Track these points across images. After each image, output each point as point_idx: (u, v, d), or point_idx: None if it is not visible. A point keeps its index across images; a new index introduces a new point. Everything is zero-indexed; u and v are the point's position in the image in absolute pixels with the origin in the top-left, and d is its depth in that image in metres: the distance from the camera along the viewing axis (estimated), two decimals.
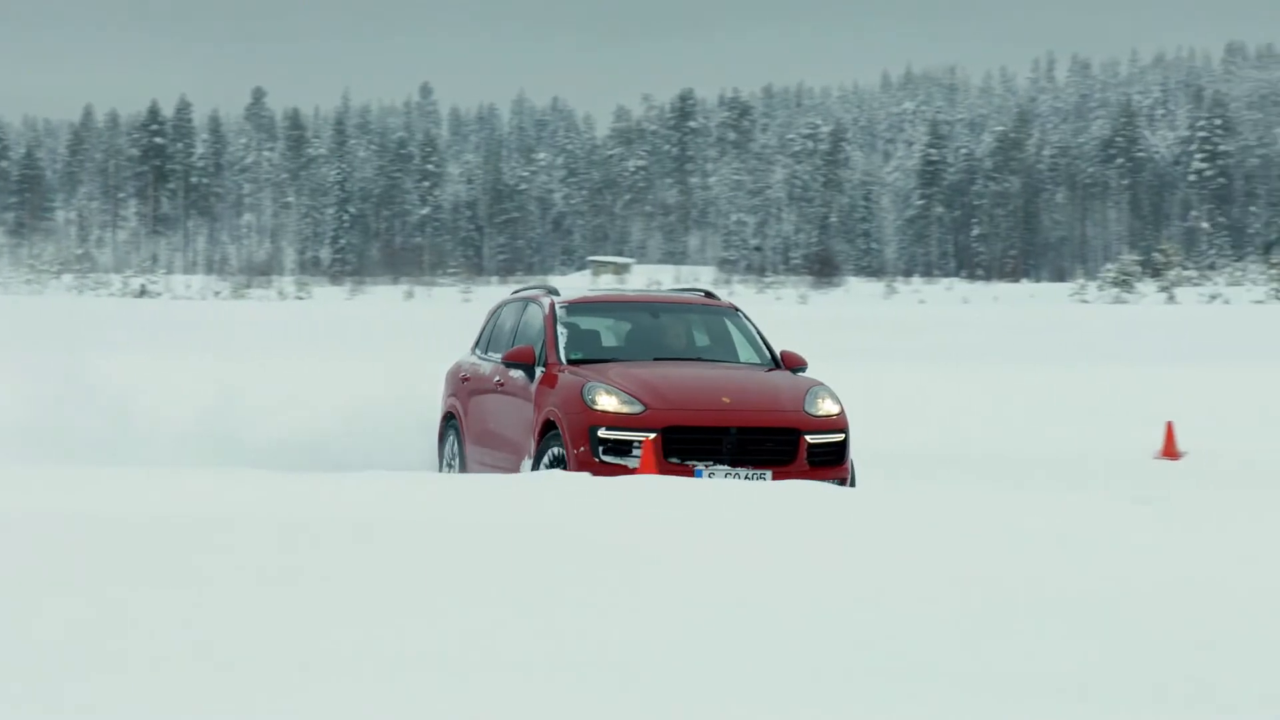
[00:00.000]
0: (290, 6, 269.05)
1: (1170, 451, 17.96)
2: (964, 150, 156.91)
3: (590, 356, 13.34)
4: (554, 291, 14.19)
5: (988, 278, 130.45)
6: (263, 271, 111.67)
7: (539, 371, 13.25)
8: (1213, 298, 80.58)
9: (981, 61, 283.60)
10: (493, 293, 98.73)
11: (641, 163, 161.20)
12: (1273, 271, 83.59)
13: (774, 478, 12.41)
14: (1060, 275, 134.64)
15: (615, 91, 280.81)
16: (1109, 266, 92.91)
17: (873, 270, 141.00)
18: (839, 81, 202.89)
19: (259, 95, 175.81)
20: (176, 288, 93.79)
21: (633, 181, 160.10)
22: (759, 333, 14.01)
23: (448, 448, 14.91)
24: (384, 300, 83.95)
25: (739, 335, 13.98)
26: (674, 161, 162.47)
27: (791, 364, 13.66)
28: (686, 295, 14.67)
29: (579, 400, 12.57)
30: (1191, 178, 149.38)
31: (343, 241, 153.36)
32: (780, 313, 56.16)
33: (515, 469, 13.18)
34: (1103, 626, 7.76)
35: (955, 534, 9.61)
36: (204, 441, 15.78)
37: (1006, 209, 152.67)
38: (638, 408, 12.46)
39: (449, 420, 14.95)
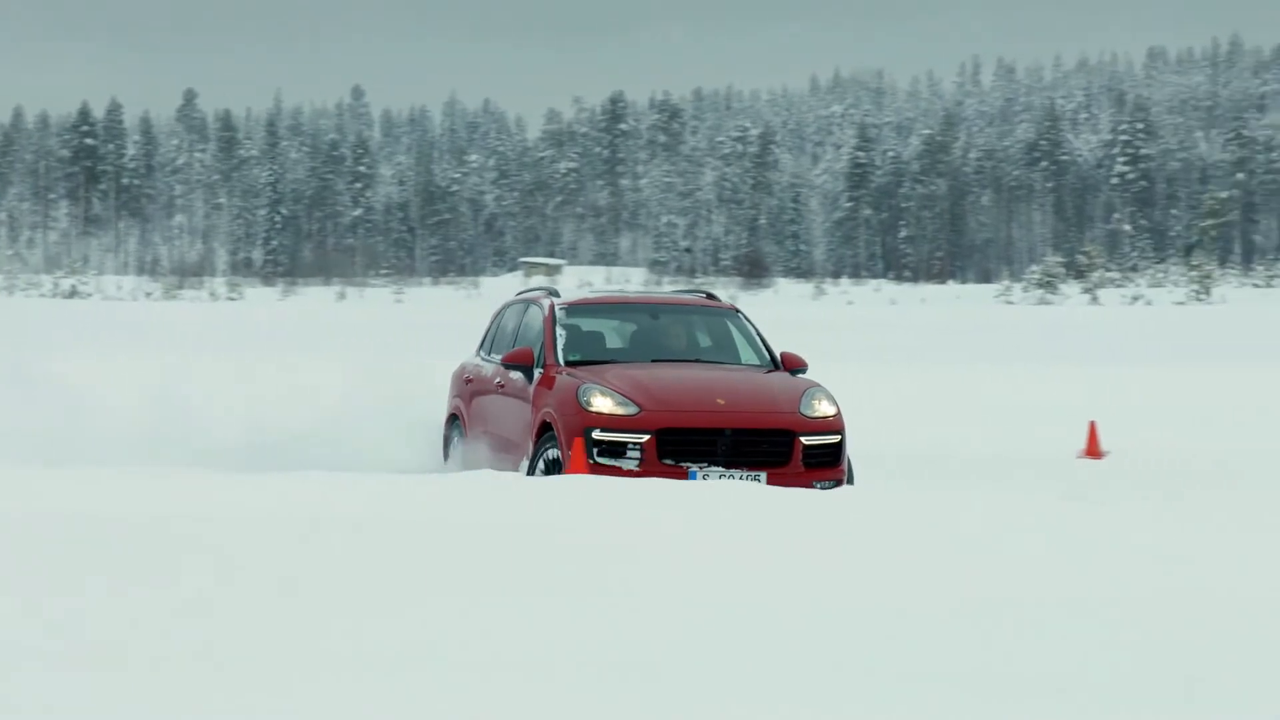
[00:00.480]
0: (220, 9, 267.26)
1: (1093, 451, 18.11)
2: (891, 153, 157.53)
3: (589, 358, 13.28)
4: (554, 293, 14.10)
5: (915, 279, 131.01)
6: (194, 273, 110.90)
7: (537, 373, 13.19)
8: (1135, 299, 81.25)
9: (908, 66, 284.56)
10: (425, 294, 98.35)
11: (573, 165, 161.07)
12: (1193, 273, 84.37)
13: (769, 479, 12.33)
14: (986, 277, 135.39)
15: (546, 94, 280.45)
16: (1034, 268, 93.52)
17: (801, 271, 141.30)
18: (768, 85, 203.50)
19: (190, 97, 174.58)
20: (108, 289, 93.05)
21: (564, 183, 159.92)
22: (759, 334, 13.91)
23: (451, 448, 14.86)
24: (317, 301, 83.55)
25: (739, 337, 13.88)
26: (605, 163, 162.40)
27: (791, 365, 13.57)
28: (687, 297, 14.60)
29: (574, 402, 12.50)
30: (1114, 181, 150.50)
31: (275, 243, 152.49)
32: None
33: (515, 470, 13.07)
34: (1101, 626, 7.80)
35: (948, 534, 9.63)
36: (145, 442, 15.68)
37: (933, 211, 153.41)
38: (632, 409, 12.39)
39: (453, 421, 14.93)
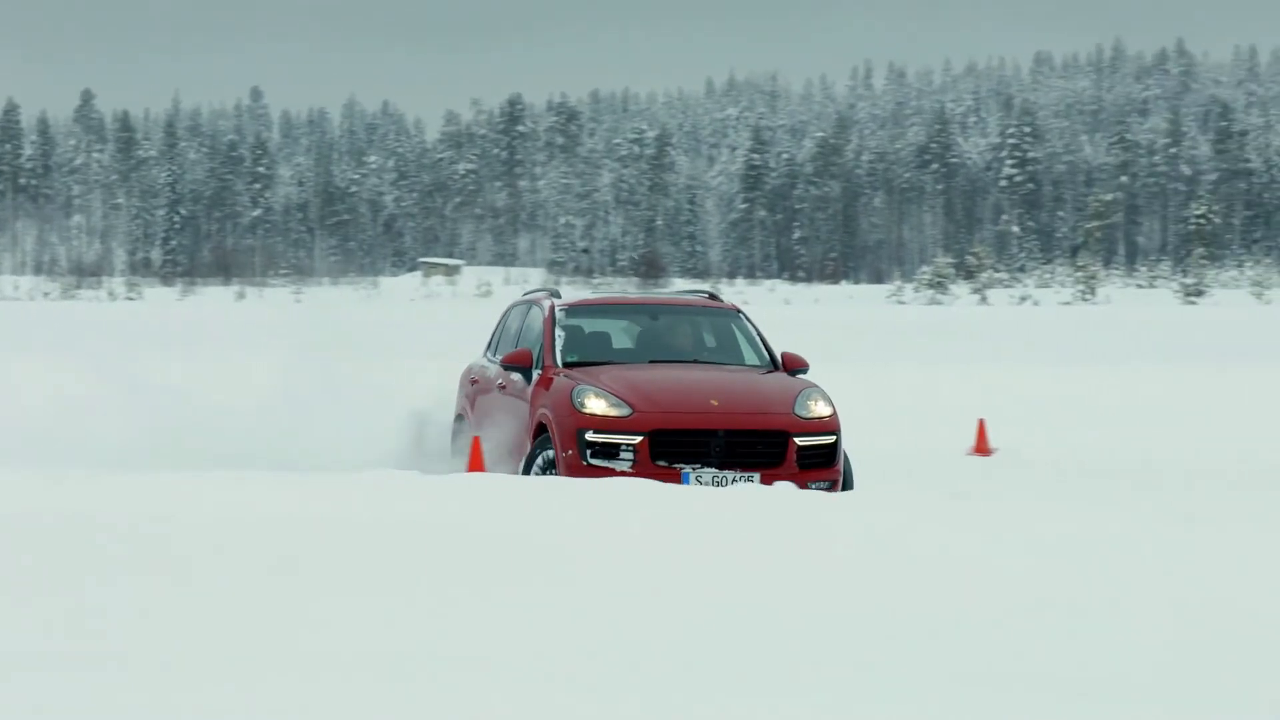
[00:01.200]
0: (118, 10, 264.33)
1: (981, 448, 18.26)
2: (785, 155, 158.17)
3: (587, 359, 13.14)
4: (555, 294, 13.95)
5: (809, 279, 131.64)
6: (93, 272, 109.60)
7: (535, 374, 13.06)
8: (1023, 299, 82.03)
9: (802, 69, 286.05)
10: (324, 294, 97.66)
11: (471, 166, 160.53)
12: (1079, 274, 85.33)
13: (763, 480, 12.19)
14: (878, 277, 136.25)
15: (445, 96, 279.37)
16: (924, 269, 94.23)
17: (698, 272, 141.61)
18: (664, 87, 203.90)
19: (88, 97, 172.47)
20: (5, 288, 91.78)
21: (463, 184, 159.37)
22: (760, 335, 13.78)
23: (456, 448, 14.69)
24: (216, 301, 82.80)
25: (740, 337, 13.73)
26: (503, 165, 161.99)
27: (792, 366, 13.44)
28: (688, 298, 14.43)
29: (568, 403, 12.37)
30: (1002, 183, 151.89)
31: (174, 243, 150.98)
32: None
33: (514, 471, 12.91)
34: (1099, 627, 7.84)
35: (945, 535, 9.64)
36: (49, 443, 15.47)
37: (826, 213, 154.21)
38: (625, 410, 12.27)
39: (459, 421, 14.81)
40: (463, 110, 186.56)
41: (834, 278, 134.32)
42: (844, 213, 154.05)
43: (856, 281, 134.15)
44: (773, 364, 13.53)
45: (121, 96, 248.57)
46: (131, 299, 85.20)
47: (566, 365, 13.03)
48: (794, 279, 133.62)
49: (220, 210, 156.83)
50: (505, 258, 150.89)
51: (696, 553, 8.98)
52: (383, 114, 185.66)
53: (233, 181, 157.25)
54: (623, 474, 11.96)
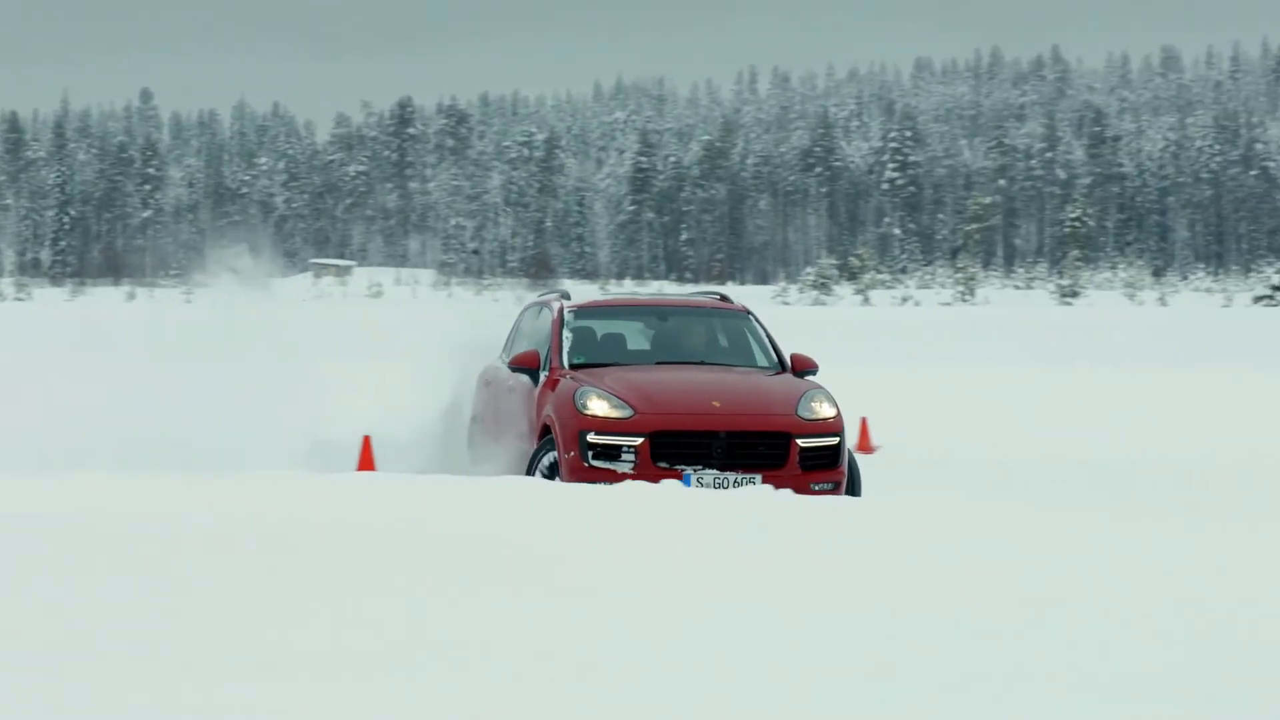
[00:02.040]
0: (5, 11, 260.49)
1: (865, 446, 18.40)
2: (672, 158, 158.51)
3: (594, 361, 12.98)
4: (565, 296, 13.78)
5: (696, 280, 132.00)
6: None
7: (542, 376, 12.88)
8: (904, 300, 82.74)
9: (688, 74, 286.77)
10: (214, 295, 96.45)
11: (362, 168, 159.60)
12: (959, 275, 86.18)
13: (764, 481, 12.08)
14: (764, 278, 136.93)
15: (335, 99, 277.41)
16: (809, 270, 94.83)
17: (587, 273, 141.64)
18: (553, 91, 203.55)
19: None
20: None
21: (353, 186, 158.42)
22: (768, 336, 13.66)
23: (471, 448, 14.55)
24: (106, 301, 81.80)
25: (749, 339, 13.58)
26: (394, 167, 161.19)
27: (801, 367, 13.33)
28: (697, 299, 14.23)
29: (571, 405, 12.20)
30: (884, 186, 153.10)
31: (63, 244, 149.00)
32: (501, 313, 55.97)
33: (521, 472, 12.76)
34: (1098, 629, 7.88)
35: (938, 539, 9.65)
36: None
37: (713, 215, 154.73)
38: (626, 412, 12.11)
39: (475, 423, 14.62)
40: (353, 113, 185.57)
41: (720, 278, 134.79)
42: (730, 215, 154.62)
43: (742, 282, 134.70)
44: (781, 365, 13.40)
45: (9, 98, 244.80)
46: (20, 299, 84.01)
47: (574, 367, 12.86)
48: (681, 280, 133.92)
49: (110, 211, 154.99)
50: (396, 259, 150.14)
51: (618, 557, 9.00)
52: (273, 116, 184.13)
53: (123, 183, 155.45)
54: (624, 476, 11.85)
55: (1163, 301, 72.27)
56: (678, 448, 12.10)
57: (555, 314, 13.38)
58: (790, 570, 8.83)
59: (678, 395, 12.40)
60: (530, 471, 12.49)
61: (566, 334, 13.16)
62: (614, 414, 12.12)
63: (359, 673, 6.81)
